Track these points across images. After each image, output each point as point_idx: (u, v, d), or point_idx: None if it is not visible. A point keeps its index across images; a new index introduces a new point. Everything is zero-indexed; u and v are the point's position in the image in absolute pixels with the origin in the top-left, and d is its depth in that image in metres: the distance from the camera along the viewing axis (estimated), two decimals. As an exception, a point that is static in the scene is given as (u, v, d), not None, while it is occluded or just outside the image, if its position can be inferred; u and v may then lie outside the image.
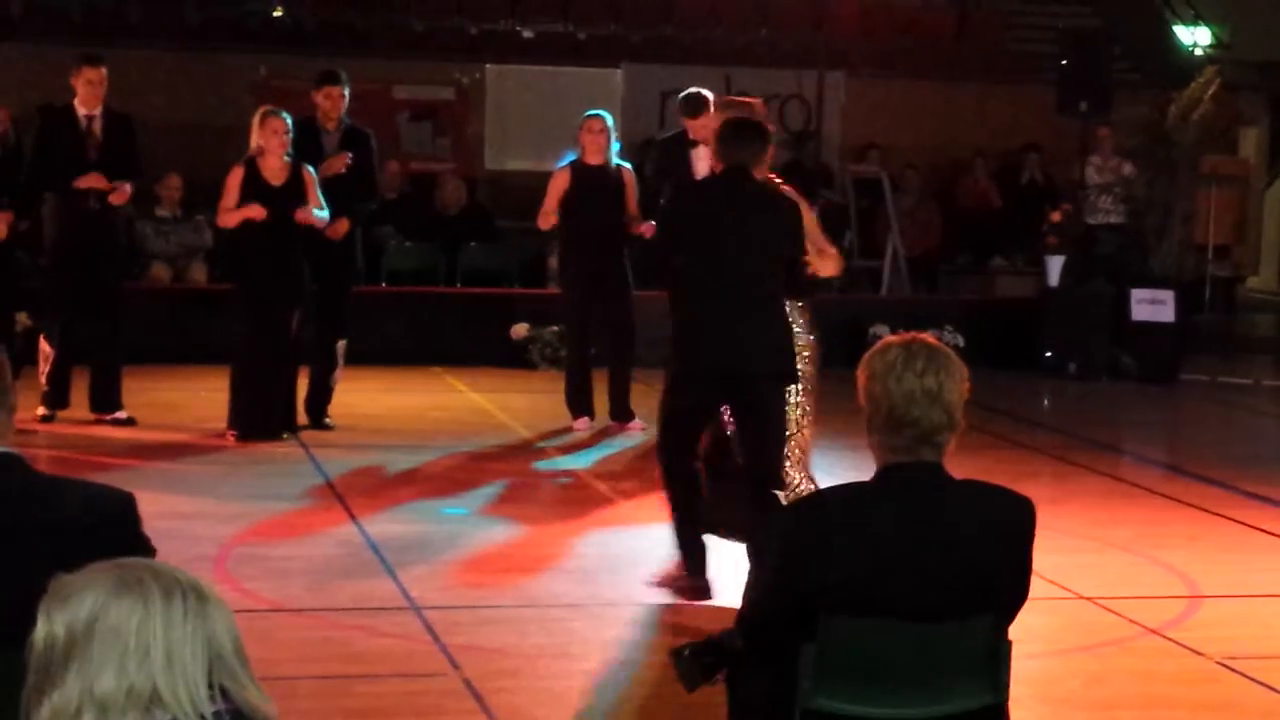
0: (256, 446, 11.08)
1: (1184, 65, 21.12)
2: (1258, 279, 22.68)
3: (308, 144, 11.51)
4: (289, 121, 11.12)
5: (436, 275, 16.63)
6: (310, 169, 11.22)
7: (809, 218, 8.04)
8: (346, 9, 20.92)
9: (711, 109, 11.58)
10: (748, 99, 8.35)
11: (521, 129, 18.81)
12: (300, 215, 11.04)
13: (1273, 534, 9.54)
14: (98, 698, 2.59)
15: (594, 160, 11.93)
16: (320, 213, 11.14)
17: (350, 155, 11.59)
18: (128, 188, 11.46)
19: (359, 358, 12.63)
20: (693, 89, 11.91)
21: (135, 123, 11.84)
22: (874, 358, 4.09)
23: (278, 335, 11.14)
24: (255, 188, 11.06)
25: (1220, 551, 9.15)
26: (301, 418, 11.73)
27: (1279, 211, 22.16)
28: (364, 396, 12.83)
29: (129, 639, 2.60)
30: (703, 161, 11.81)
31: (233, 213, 11.10)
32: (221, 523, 9.05)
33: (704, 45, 21.09)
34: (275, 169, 11.09)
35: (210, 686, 2.63)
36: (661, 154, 12.43)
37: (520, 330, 15.07)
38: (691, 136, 11.79)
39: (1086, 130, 16.99)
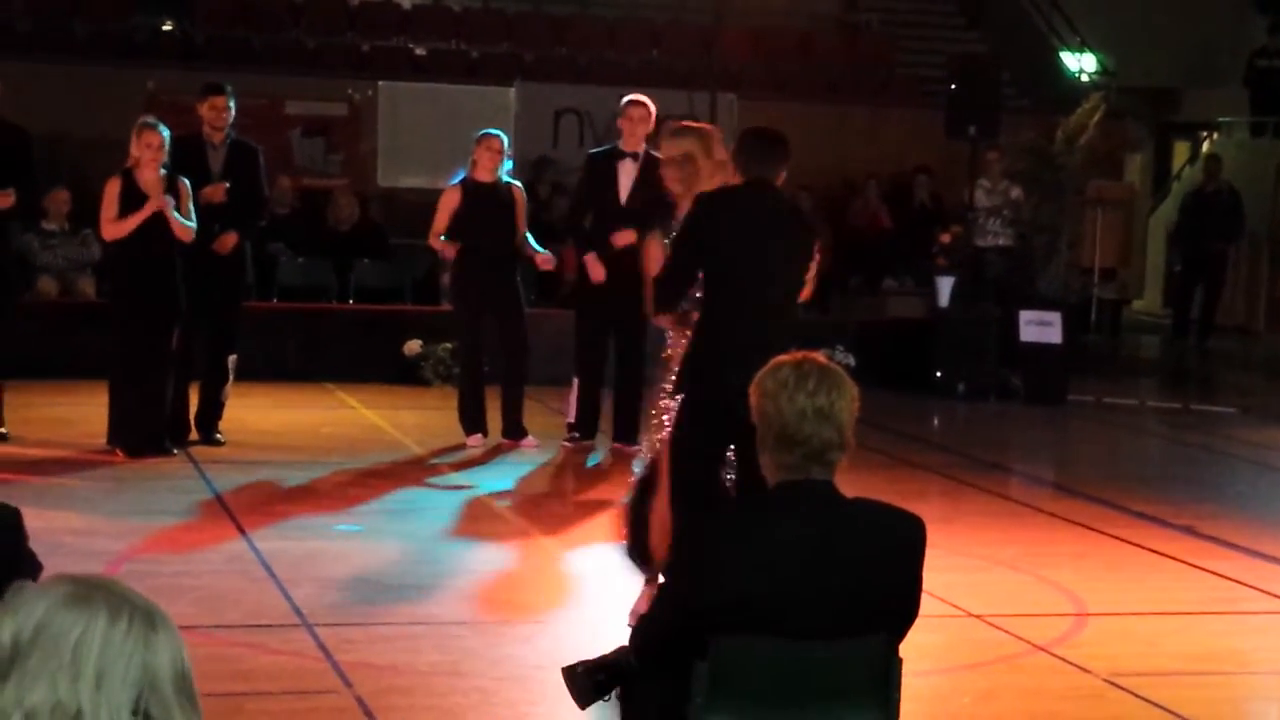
0: (145, 462, 10.97)
1: (1070, 91, 21.41)
2: (1142, 301, 23.00)
3: (193, 159, 11.43)
4: (165, 135, 11.01)
5: (329, 291, 16.55)
6: (185, 181, 11.12)
7: None
8: (237, 24, 20.82)
9: (648, 110, 11.72)
10: (702, 124, 8.11)
11: (414, 146, 18.77)
12: (159, 202, 10.90)
13: (1157, 552, 9.64)
14: (26, 708, 2.57)
15: (485, 178, 11.92)
16: (187, 222, 11.03)
17: (227, 185, 11.47)
18: (10, 194, 11.28)
19: (250, 373, 12.56)
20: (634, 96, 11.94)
21: (29, 135, 11.71)
22: (766, 377, 4.12)
23: (155, 349, 11.06)
24: (132, 200, 10.98)
25: (1106, 569, 9.25)
26: (192, 433, 11.65)
27: (1163, 235, 22.47)
28: (255, 412, 12.75)
29: (65, 654, 2.58)
30: (628, 176, 11.85)
31: (119, 223, 10.98)
32: (111, 539, 8.97)
33: (598, 65, 21.15)
34: (150, 181, 10.99)
35: (135, 713, 2.61)
36: (589, 168, 12.34)
37: (413, 347, 15.01)
38: (622, 148, 11.81)
39: (975, 154, 17.15)
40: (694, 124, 8.21)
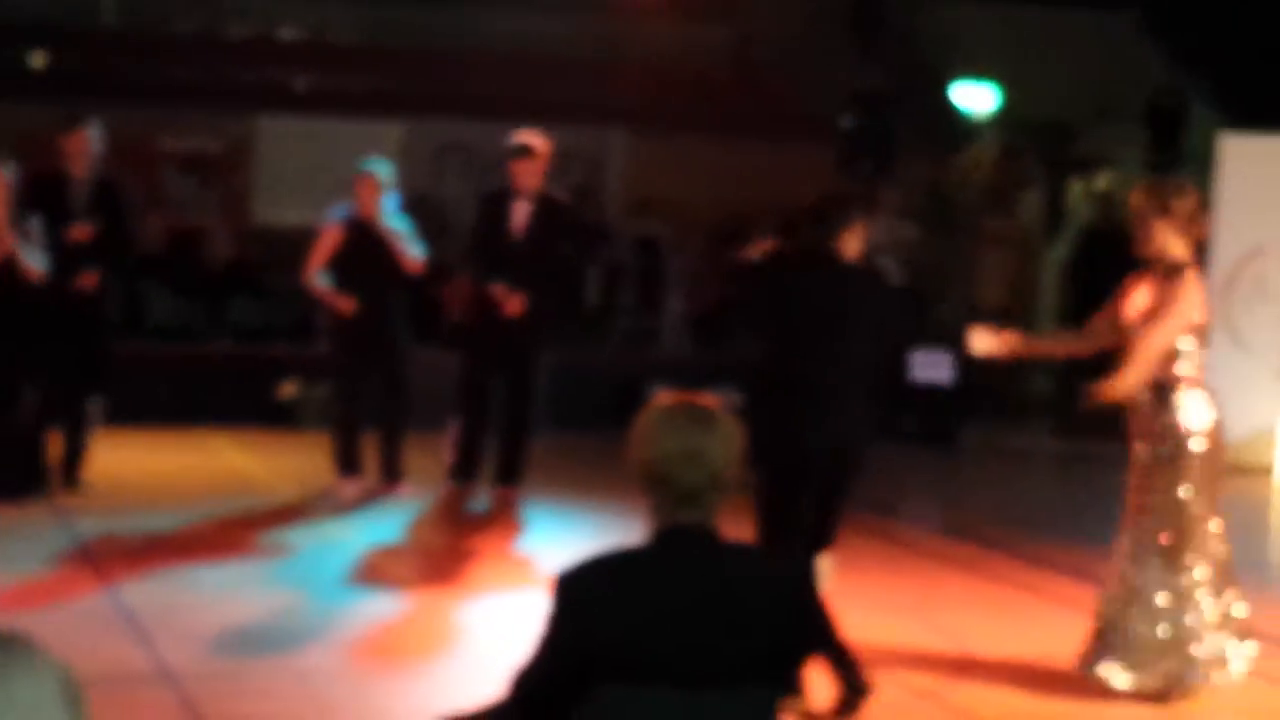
0: (3, 509, 10.67)
1: (965, 129, 21.45)
2: (1036, 341, 23.03)
3: (55, 196, 11.17)
4: (7, 175, 10.72)
5: (202, 331, 16.29)
6: (35, 221, 10.83)
7: None
8: (110, 56, 20.48)
9: (539, 155, 11.53)
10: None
11: (293, 182, 18.55)
12: (5, 246, 10.61)
13: (1046, 595, 9.61)
14: None
15: (367, 215, 11.64)
16: (36, 260, 10.71)
17: (92, 227, 11.18)
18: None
19: (119, 416, 12.36)
20: (523, 138, 11.72)
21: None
22: (640, 418, 4.08)
23: (5, 391, 10.84)
24: None
25: (995, 613, 9.20)
26: (55, 479, 11.32)
27: (1057, 274, 22.51)
28: (122, 456, 12.48)
29: None
30: (521, 215, 11.61)
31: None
32: (-38, 591, 8.69)
33: (484, 100, 20.95)
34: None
35: None
36: (481, 207, 12.09)
37: (288, 389, 14.83)
38: (515, 187, 11.58)
39: (869, 190, 17.08)
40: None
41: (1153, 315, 7.46)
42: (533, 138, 11.70)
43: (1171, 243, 7.48)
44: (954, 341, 16.56)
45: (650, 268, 18.32)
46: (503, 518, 11.44)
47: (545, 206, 11.75)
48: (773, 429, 7.46)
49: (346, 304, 11.63)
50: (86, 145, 11.30)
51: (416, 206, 16.82)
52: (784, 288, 7.83)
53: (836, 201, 7.84)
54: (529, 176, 11.58)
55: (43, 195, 10.99)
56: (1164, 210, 7.48)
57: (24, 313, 10.81)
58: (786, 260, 7.84)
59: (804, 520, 7.60)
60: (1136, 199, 7.59)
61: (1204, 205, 7.78)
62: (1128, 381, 7.43)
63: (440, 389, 12.29)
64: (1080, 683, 7.81)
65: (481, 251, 11.89)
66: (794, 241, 7.89)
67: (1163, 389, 7.52)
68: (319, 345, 14.73)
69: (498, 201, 11.76)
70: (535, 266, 11.63)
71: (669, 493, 3.98)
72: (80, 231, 11.15)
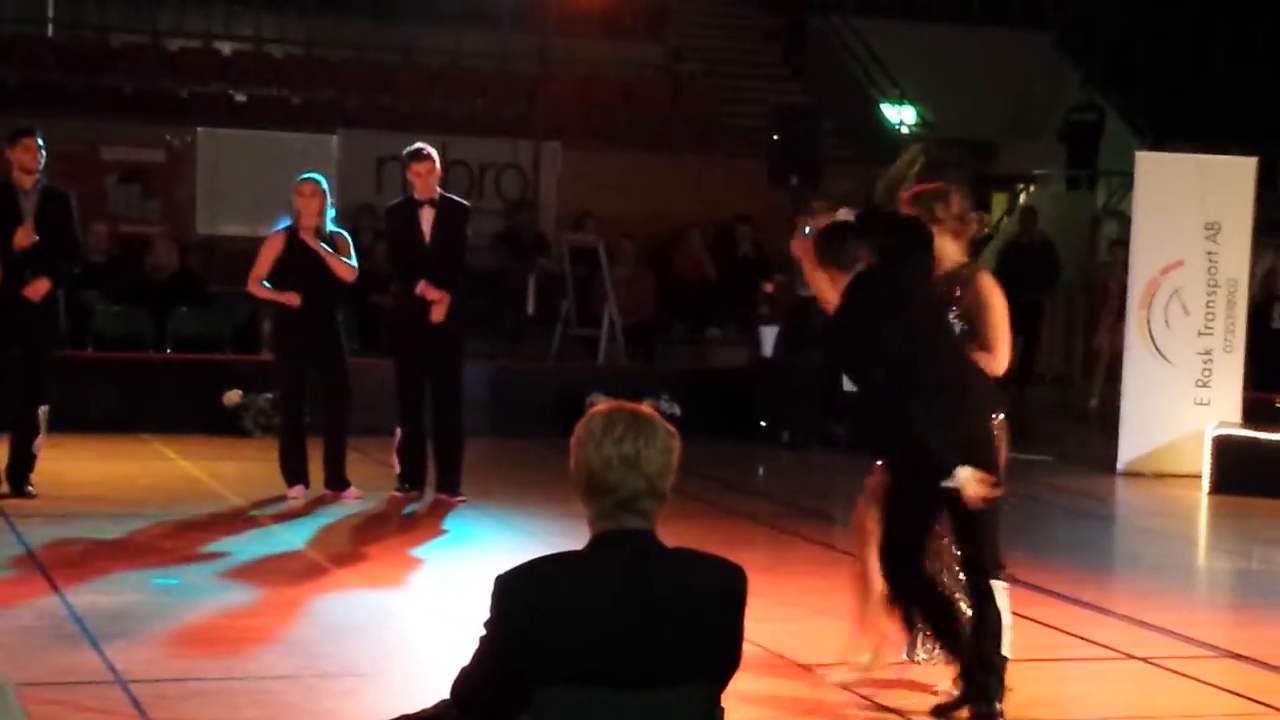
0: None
1: (891, 143, 21.66)
2: (962, 351, 23.26)
3: (4, 205, 11.22)
4: None
5: (146, 340, 16.29)
6: None
7: None
8: (52, 68, 20.50)
9: (433, 161, 11.83)
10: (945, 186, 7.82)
11: (234, 193, 18.58)
12: None
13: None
14: None
15: (309, 225, 11.80)
16: None
17: (34, 229, 11.25)
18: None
19: (65, 424, 12.33)
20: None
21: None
22: (581, 425, 4.12)
23: None
24: None
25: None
26: (2, 485, 11.41)
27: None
28: (69, 464, 12.52)
29: None
30: (429, 223, 11.85)
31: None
32: (-87, 595, 8.71)
33: (421, 113, 21.09)
34: None
35: None
36: (389, 219, 12.40)
37: (233, 397, 14.85)
38: (417, 197, 11.84)
39: (797, 203, 17.27)
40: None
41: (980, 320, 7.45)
42: (426, 146, 12.01)
43: (948, 247, 7.45)
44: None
45: (587, 278, 18.47)
46: (444, 523, 11.51)
47: (450, 209, 12.06)
48: (934, 434, 7.07)
49: (291, 298, 11.77)
50: (32, 155, 11.31)
51: (355, 217, 17.02)
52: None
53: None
54: (429, 183, 11.88)
55: (-6, 203, 11.02)
56: (933, 217, 7.43)
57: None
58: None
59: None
60: (906, 210, 7.47)
61: (972, 207, 7.73)
62: None
63: (385, 397, 12.41)
64: (1014, 685, 7.98)
65: (397, 259, 12.16)
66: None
67: None
68: (262, 354, 14.84)
69: (405, 211, 12.04)
70: (445, 269, 11.90)
71: (607, 499, 4.02)
72: (24, 237, 11.21)
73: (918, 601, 7.37)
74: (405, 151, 12.09)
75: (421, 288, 11.73)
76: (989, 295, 7.53)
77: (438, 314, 11.77)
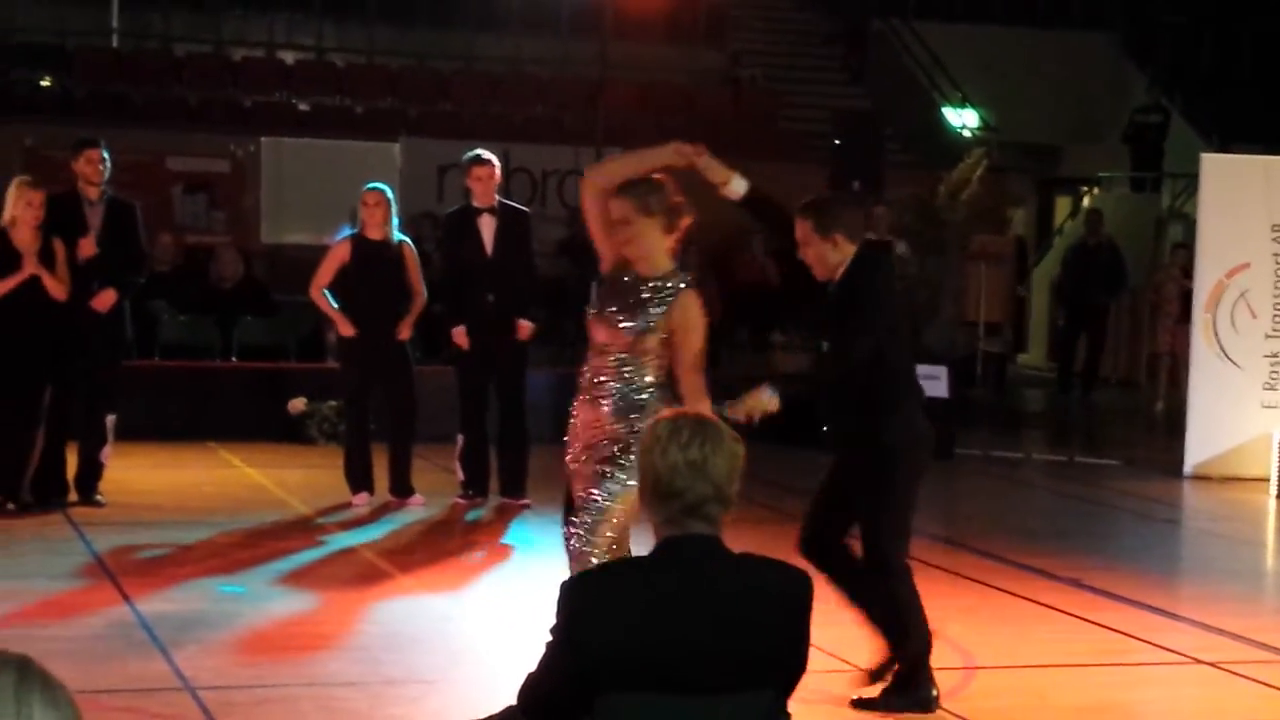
0: (22, 524, 10.82)
1: (953, 147, 21.60)
2: (1028, 356, 23.20)
3: (70, 216, 11.29)
4: (42, 195, 10.94)
5: (212, 349, 16.38)
6: (60, 240, 11.06)
7: None
8: (117, 79, 20.65)
9: (494, 167, 11.84)
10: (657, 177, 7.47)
11: (298, 202, 18.67)
12: (34, 267, 10.88)
13: (1045, 605, 9.67)
14: None
15: (374, 235, 11.85)
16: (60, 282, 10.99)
17: (96, 239, 11.33)
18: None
19: (132, 433, 12.43)
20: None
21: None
22: (646, 432, 4.12)
23: (24, 407, 11.03)
24: (7, 259, 10.89)
25: (995, 623, 9.27)
26: (71, 494, 11.50)
27: (1047, 290, 22.68)
28: (137, 472, 12.60)
29: None
30: (489, 230, 11.87)
31: (-1, 282, 10.94)
32: (-14, 603, 8.77)
33: (482, 120, 21.15)
34: (26, 241, 10.92)
35: None
36: (447, 227, 12.43)
37: (298, 405, 14.91)
38: (476, 204, 11.84)
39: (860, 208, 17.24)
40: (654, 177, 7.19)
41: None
42: (486, 152, 12.05)
43: (658, 243, 6.89)
44: (948, 356, 16.76)
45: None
46: (509, 528, 11.56)
47: (512, 217, 12.07)
48: (914, 426, 7.52)
49: (347, 328, 11.83)
50: (95, 167, 11.40)
51: (417, 224, 17.06)
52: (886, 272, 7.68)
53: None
54: (489, 190, 11.88)
55: (59, 216, 11.13)
56: (645, 209, 6.84)
57: (46, 331, 11.02)
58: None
59: None
60: (617, 205, 6.86)
61: (681, 201, 7.00)
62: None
63: (448, 404, 12.43)
64: (1083, 690, 7.92)
65: (453, 272, 12.16)
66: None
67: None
68: (327, 362, 14.90)
69: (463, 219, 12.02)
70: (517, 287, 11.93)
71: (674, 504, 4.01)
72: (87, 248, 11.30)
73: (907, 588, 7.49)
74: (465, 156, 12.11)
75: (523, 332, 11.81)
76: (693, 318, 7.00)
77: (525, 335, 11.92)
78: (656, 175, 7.00)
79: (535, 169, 19.84)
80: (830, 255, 7.42)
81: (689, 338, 6.96)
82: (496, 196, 12.00)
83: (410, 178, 18.75)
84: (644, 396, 6.90)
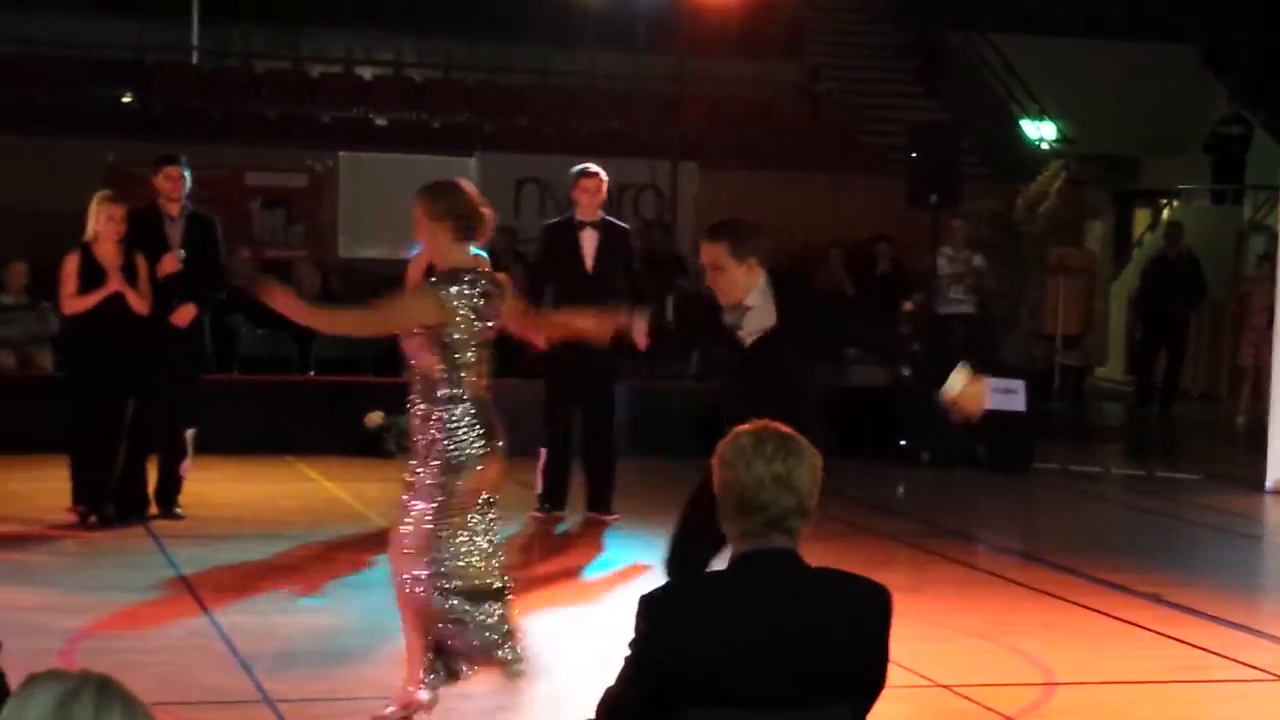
0: (104, 537, 10.91)
1: (1031, 159, 21.50)
2: (1105, 369, 23.05)
3: (151, 232, 11.37)
4: (123, 209, 11.03)
5: (290, 362, 16.46)
6: (142, 255, 11.16)
7: None
8: (196, 95, 20.82)
9: (602, 180, 11.85)
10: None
11: (375, 216, 18.74)
12: (118, 283, 11.00)
13: (1125, 621, 9.61)
14: None
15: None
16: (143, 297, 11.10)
17: (182, 253, 11.40)
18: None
19: (210, 446, 12.47)
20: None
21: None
22: (726, 445, 4.11)
23: (108, 422, 11.13)
24: (91, 274, 10.99)
25: (1074, 638, 9.21)
26: (151, 507, 11.58)
27: (1125, 302, 22.54)
28: (215, 486, 12.68)
29: None
30: (590, 244, 11.85)
31: (79, 299, 11.02)
32: (69, 615, 8.84)
33: (558, 134, 21.20)
34: (109, 256, 11.02)
35: None
36: (548, 239, 12.34)
37: (375, 418, 14.95)
38: (580, 217, 11.82)
39: (936, 221, 17.19)
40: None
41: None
42: (594, 166, 12.01)
43: (452, 249, 7.06)
44: (1026, 369, 16.68)
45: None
46: (592, 542, 11.57)
47: (614, 232, 12.02)
48: None
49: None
50: (174, 183, 11.46)
51: (493, 239, 17.08)
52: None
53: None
54: (594, 203, 11.86)
55: (140, 231, 11.22)
56: (434, 214, 6.99)
57: (127, 345, 11.11)
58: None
59: None
60: (420, 206, 7.01)
61: (488, 205, 7.18)
62: None
63: (526, 417, 12.43)
64: (1163, 707, 7.88)
65: (544, 285, 12.08)
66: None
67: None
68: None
69: (565, 232, 11.98)
70: (604, 293, 11.88)
71: (757, 517, 4.01)
72: (169, 263, 11.38)
73: None
74: (574, 169, 12.08)
75: (637, 335, 11.75)
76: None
77: (641, 343, 11.81)
78: (455, 180, 7.24)
79: (610, 183, 19.80)
80: (742, 279, 7.39)
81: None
82: (600, 211, 11.97)
83: (486, 192, 18.68)
84: None
